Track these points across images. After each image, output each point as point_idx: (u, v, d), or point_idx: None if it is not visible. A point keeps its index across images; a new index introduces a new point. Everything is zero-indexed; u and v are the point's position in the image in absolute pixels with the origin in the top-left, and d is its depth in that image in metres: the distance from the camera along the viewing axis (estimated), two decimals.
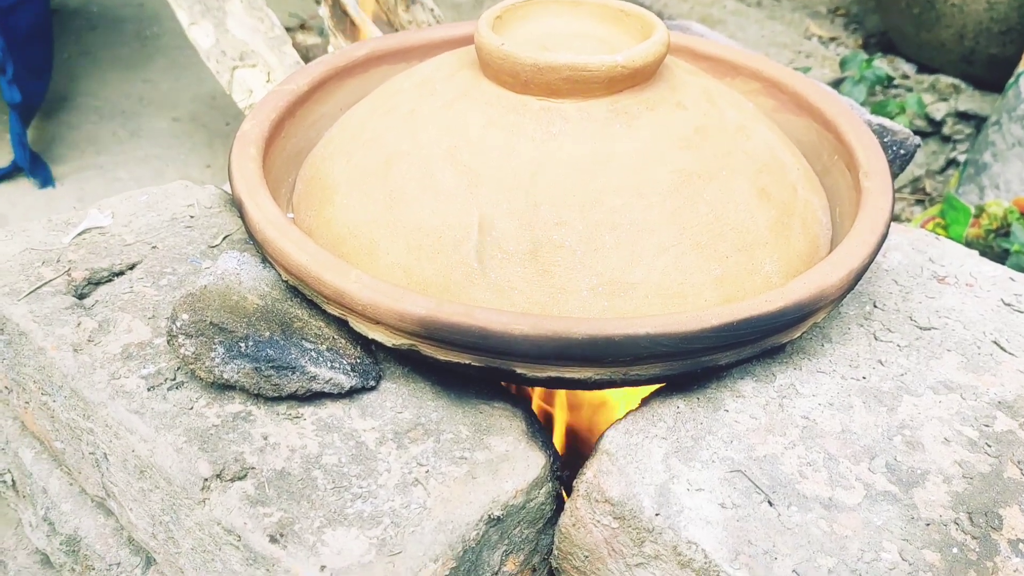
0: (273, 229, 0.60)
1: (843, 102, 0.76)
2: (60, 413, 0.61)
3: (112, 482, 0.60)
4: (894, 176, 0.89)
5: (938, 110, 1.44)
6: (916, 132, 1.44)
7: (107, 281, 0.67)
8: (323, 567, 0.48)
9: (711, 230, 0.65)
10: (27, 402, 0.66)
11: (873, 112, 1.41)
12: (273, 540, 0.50)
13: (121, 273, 0.67)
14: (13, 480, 0.76)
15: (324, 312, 0.60)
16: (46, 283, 0.64)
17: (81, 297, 0.65)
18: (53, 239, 0.69)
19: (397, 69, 0.84)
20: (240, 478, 0.53)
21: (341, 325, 0.59)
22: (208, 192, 0.77)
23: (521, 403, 0.60)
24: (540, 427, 0.60)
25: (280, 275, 0.61)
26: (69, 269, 0.66)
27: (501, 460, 0.55)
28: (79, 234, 0.70)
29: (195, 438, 0.54)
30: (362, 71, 0.84)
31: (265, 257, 0.63)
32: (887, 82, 1.41)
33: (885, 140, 0.88)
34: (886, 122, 0.90)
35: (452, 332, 0.54)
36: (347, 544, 0.50)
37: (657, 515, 0.52)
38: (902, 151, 0.88)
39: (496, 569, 0.55)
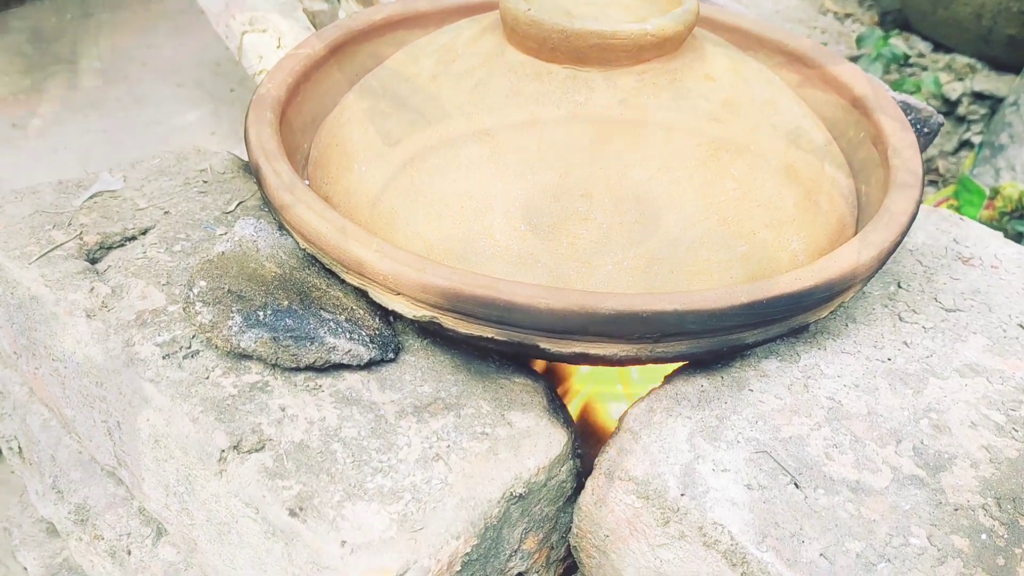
0: (291, 195, 0.58)
1: (870, 79, 0.74)
2: (71, 380, 0.60)
3: (125, 451, 0.59)
4: (922, 149, 0.88)
5: (954, 90, 1.42)
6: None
7: (119, 246, 0.65)
8: (344, 542, 0.48)
9: (738, 206, 0.64)
10: (37, 368, 0.65)
11: (892, 87, 1.40)
12: (292, 514, 0.49)
13: (134, 238, 0.66)
14: (20, 447, 0.75)
15: (343, 281, 0.59)
16: (57, 246, 0.63)
17: (93, 262, 0.64)
18: (64, 202, 0.68)
19: (415, 35, 0.83)
20: (258, 450, 0.52)
21: (360, 295, 0.58)
22: (221, 157, 0.75)
23: (542, 378, 0.59)
24: (561, 403, 0.59)
25: (298, 243, 0.60)
26: (81, 233, 0.64)
27: (523, 436, 0.54)
28: (90, 197, 0.68)
29: (211, 408, 0.53)
30: (379, 36, 0.82)
31: (282, 224, 0.61)
32: (903, 60, 1.39)
33: (909, 118, 0.86)
34: (910, 99, 0.89)
35: (475, 304, 0.53)
36: (368, 519, 0.49)
37: (683, 495, 0.51)
38: (925, 129, 0.87)
39: (516, 547, 0.54)
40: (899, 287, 0.69)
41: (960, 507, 0.53)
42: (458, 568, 0.49)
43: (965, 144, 1.43)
